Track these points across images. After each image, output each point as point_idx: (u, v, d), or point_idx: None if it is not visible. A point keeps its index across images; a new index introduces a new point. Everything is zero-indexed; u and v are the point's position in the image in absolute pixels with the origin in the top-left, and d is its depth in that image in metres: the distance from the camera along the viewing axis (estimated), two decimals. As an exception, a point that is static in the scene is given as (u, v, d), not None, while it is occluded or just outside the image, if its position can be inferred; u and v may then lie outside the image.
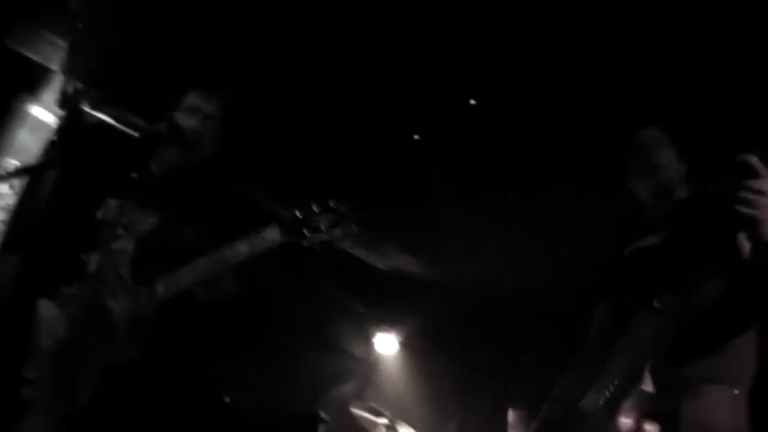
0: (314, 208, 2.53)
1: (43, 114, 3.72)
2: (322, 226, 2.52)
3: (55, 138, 3.34)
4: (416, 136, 5.06)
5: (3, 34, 3.65)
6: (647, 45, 3.86)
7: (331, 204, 2.55)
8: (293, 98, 4.65)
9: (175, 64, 4.01)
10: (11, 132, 3.52)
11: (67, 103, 3.21)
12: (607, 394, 2.37)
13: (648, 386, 2.23)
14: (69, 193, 2.82)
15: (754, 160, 2.03)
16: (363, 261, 6.93)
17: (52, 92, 3.76)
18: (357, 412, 5.65)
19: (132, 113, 3.12)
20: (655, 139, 2.76)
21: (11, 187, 3.20)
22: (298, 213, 2.53)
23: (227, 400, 4.62)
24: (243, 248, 2.49)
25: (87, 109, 3.07)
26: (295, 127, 4.85)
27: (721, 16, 3.45)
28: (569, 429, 2.57)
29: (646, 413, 2.20)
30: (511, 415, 6.12)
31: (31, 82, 3.73)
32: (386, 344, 7.53)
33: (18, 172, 2.94)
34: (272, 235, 2.50)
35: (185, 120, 2.74)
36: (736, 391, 2.32)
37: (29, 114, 3.71)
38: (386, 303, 7.33)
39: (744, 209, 2.02)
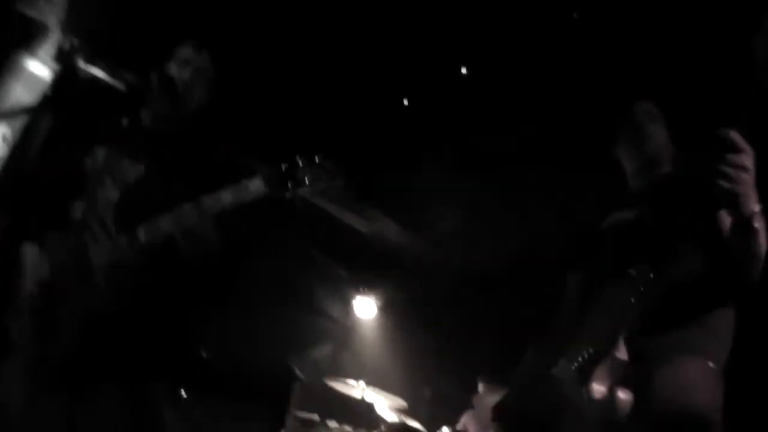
0: (299, 161, 2.54)
1: (38, 69, 3.71)
2: (306, 180, 2.53)
3: (49, 92, 3.34)
4: (405, 101, 5.06)
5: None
6: (632, 26, 3.89)
7: (316, 159, 2.55)
8: (288, 56, 4.64)
9: (169, 20, 4.02)
10: (6, 86, 3.53)
11: (63, 59, 3.21)
12: (580, 361, 2.38)
13: (622, 354, 2.24)
14: (60, 144, 2.83)
15: (734, 135, 2.04)
16: (346, 224, 6.94)
17: (48, 47, 3.80)
18: (332, 375, 5.71)
19: (127, 70, 3.11)
20: (648, 111, 2.78)
21: (4, 139, 3.21)
22: (282, 166, 2.53)
23: (204, 354, 4.64)
24: (226, 198, 2.50)
25: (82, 64, 3.06)
26: (287, 84, 4.84)
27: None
28: (540, 396, 2.61)
29: (619, 380, 2.22)
30: (482, 385, 6.19)
31: (27, 37, 3.74)
32: (365, 308, 7.56)
33: (10, 117, 2.96)
34: (256, 185, 2.52)
35: (176, 72, 2.74)
36: (711, 364, 2.33)
37: (25, 69, 3.73)
38: (367, 267, 7.36)
39: (725, 184, 2.03)
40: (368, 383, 5.57)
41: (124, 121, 2.73)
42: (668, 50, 4.02)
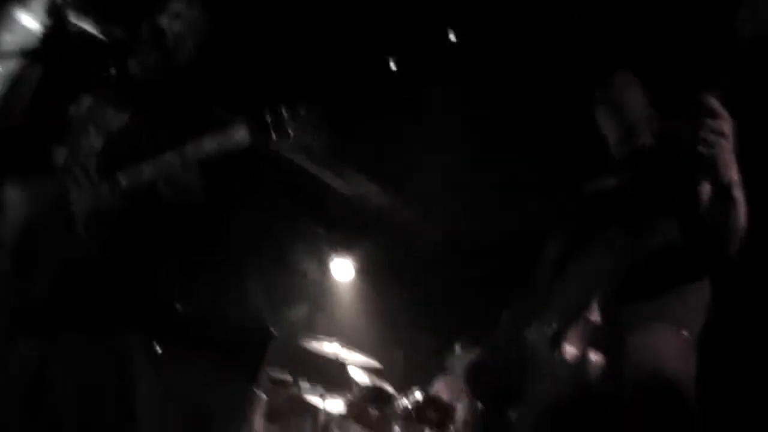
0: (284, 113, 2.53)
1: (30, 21, 3.70)
2: (290, 131, 2.53)
3: (39, 44, 3.32)
4: (391, 63, 5.04)
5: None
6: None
7: (301, 111, 2.55)
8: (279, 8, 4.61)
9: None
10: (-2, 37, 3.52)
11: (54, 12, 3.17)
12: (554, 324, 2.40)
13: (595, 317, 2.25)
14: (47, 94, 2.81)
15: (713, 101, 2.03)
16: (326, 184, 6.92)
17: (40, 1, 3.74)
18: (307, 336, 5.72)
19: (117, 23, 3.09)
20: (626, 79, 2.78)
21: None
22: (267, 117, 2.53)
23: (178, 308, 4.63)
24: (209, 145, 2.48)
25: (73, 18, 3.03)
26: (276, 38, 4.80)
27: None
28: (513, 357, 2.62)
29: (592, 343, 2.23)
30: (459, 349, 6.24)
31: None
32: (342, 269, 7.56)
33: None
34: (240, 134, 2.50)
35: (167, 24, 2.72)
36: (684, 333, 2.33)
37: (16, 21, 3.72)
38: (346, 228, 7.36)
39: (702, 150, 2.02)
40: (342, 344, 5.59)
41: (112, 72, 2.70)
42: (648, 16, 4.01)
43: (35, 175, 2.55)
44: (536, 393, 2.43)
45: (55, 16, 2.84)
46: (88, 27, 2.74)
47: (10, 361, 2.37)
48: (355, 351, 5.67)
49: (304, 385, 6.12)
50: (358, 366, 5.83)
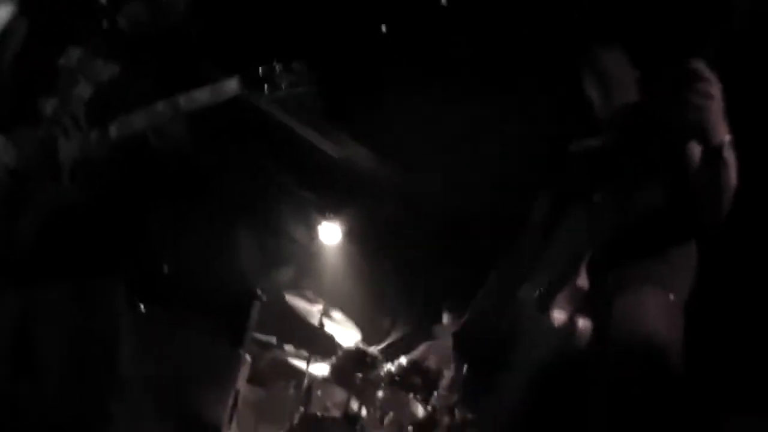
0: (276, 66, 2.53)
1: None
2: (283, 84, 2.52)
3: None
4: (383, 27, 5.01)
5: None
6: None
7: (294, 65, 2.54)
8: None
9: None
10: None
11: None
12: (541, 288, 2.41)
13: (583, 282, 2.25)
14: (35, 48, 2.77)
15: (699, 64, 2.02)
16: (315, 146, 6.88)
17: None
18: (293, 294, 5.71)
19: None
20: (611, 44, 2.74)
21: None
22: (260, 69, 2.52)
23: (165, 268, 4.61)
24: (201, 96, 2.46)
25: None
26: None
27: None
28: (500, 322, 2.62)
29: (579, 308, 2.23)
30: (447, 315, 6.25)
31: None
32: (330, 233, 7.54)
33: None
34: (231, 85, 2.49)
35: None
36: (671, 296, 2.33)
37: None
38: (334, 192, 7.33)
39: (690, 112, 2.01)
40: (328, 308, 5.59)
41: (101, 25, 2.65)
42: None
43: (23, 124, 2.50)
44: (523, 357, 2.43)
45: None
46: None
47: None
48: (341, 315, 5.66)
49: (289, 348, 6.14)
50: (344, 330, 5.83)
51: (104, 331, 2.48)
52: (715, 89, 2.02)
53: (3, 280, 2.36)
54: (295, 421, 5.21)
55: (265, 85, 2.52)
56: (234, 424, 4.75)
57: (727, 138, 2.08)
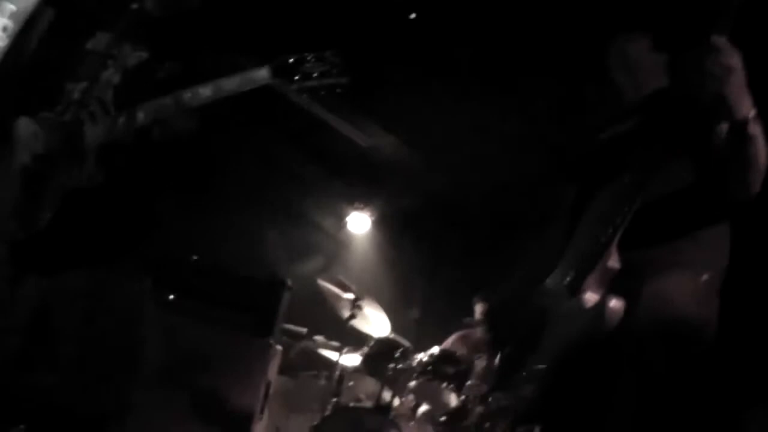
0: (308, 56, 2.50)
1: None
2: (314, 74, 2.49)
3: None
4: (413, 15, 4.98)
5: None
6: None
7: (326, 54, 2.52)
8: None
9: None
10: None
11: None
12: (572, 271, 2.39)
13: (614, 262, 2.23)
14: (63, 32, 2.77)
15: (718, 38, 2.00)
16: (344, 137, 6.86)
17: None
18: (324, 284, 5.68)
19: None
20: (631, 33, 2.74)
21: (4, 29, 3.14)
22: (291, 58, 2.50)
23: (194, 258, 4.59)
24: (229, 84, 2.45)
25: None
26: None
27: None
28: (532, 304, 2.58)
29: (610, 289, 2.21)
30: (478, 306, 6.20)
31: None
32: (359, 223, 7.51)
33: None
34: (261, 74, 2.48)
35: None
36: (705, 277, 2.29)
37: None
38: (363, 181, 7.31)
39: (712, 86, 1.99)
40: (358, 297, 5.55)
41: (129, 8, 2.64)
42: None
43: (49, 108, 2.51)
44: (554, 339, 2.41)
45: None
46: None
47: (11, 299, 2.33)
48: (372, 305, 5.62)
49: (319, 338, 6.11)
50: (374, 320, 5.79)
51: (126, 320, 2.47)
52: (735, 62, 2.00)
53: (24, 267, 2.35)
54: (327, 411, 5.18)
55: (296, 75, 2.48)
56: (265, 415, 4.73)
57: (752, 112, 2.05)
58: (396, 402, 5.37)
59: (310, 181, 7.08)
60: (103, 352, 2.40)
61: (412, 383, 5.28)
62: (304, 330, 6.17)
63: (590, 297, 2.25)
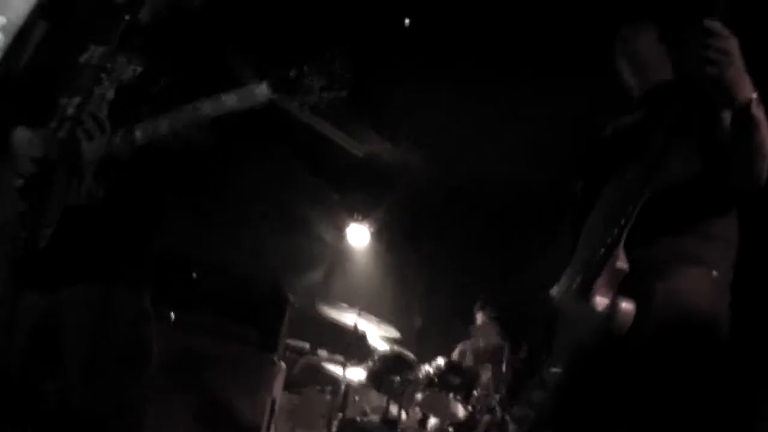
0: (306, 69, 2.44)
1: None
2: (314, 88, 2.43)
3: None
4: (407, 21, 4.97)
5: None
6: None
7: (326, 66, 2.45)
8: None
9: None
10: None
11: None
12: (580, 275, 2.39)
13: (622, 263, 2.22)
14: (56, 44, 2.74)
15: (713, 23, 2.01)
16: (341, 147, 6.84)
17: None
18: (323, 303, 5.64)
19: None
20: (635, 27, 2.73)
21: (3, 29, 3.11)
22: (290, 72, 2.43)
23: (194, 275, 4.55)
24: (230, 101, 2.39)
25: None
26: None
27: None
28: (543, 313, 2.59)
29: (620, 290, 2.20)
30: (480, 314, 6.17)
31: None
32: (358, 235, 7.47)
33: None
34: (261, 90, 2.41)
35: None
36: (714, 273, 2.29)
37: None
38: (361, 192, 7.29)
39: (711, 71, 2.00)
40: (360, 311, 5.51)
41: (122, 20, 2.60)
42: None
43: (44, 123, 2.48)
44: (566, 344, 2.41)
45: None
46: None
47: (13, 314, 2.29)
48: (373, 317, 5.58)
49: (323, 353, 6.07)
50: (377, 333, 5.74)
51: (130, 336, 2.42)
52: (731, 45, 2.01)
53: (27, 280, 2.30)
54: (334, 427, 5.13)
55: (297, 90, 2.43)
56: (271, 432, 4.68)
57: (753, 94, 2.05)
58: (403, 416, 5.32)
59: (309, 193, 7.05)
60: (107, 368, 2.35)
61: (419, 396, 5.25)
62: (307, 345, 6.12)
63: (600, 300, 2.23)
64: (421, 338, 7.13)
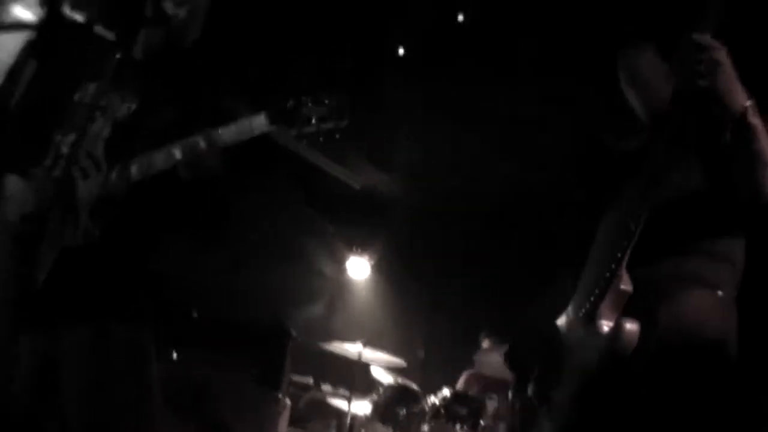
0: (305, 99, 2.44)
1: (23, 13, 3.61)
2: (313, 119, 2.42)
3: (33, 37, 3.24)
4: (401, 50, 5.00)
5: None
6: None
7: (324, 97, 2.44)
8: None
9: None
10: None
11: (48, 3, 3.10)
12: (586, 300, 2.36)
13: (626, 285, 2.22)
14: (46, 85, 2.73)
15: (700, 36, 2.05)
16: (337, 180, 6.84)
17: None
18: (326, 337, 5.61)
19: (112, 16, 3.02)
20: (636, 51, 2.70)
21: None
22: (288, 103, 2.43)
23: (195, 314, 4.53)
24: (228, 133, 2.38)
25: (68, 10, 2.95)
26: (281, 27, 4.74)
27: None
28: (550, 341, 2.55)
29: (625, 312, 2.20)
30: (485, 342, 6.14)
31: None
32: (358, 267, 7.46)
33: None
34: (259, 122, 2.40)
35: (173, 9, 2.61)
36: (720, 293, 2.28)
37: (9, 13, 3.62)
38: (359, 225, 7.28)
39: (702, 81, 2.04)
40: (363, 344, 5.48)
41: (115, 57, 2.60)
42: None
43: (38, 163, 2.46)
44: (574, 371, 2.38)
45: (49, 7, 2.75)
46: (85, 19, 2.64)
47: (14, 356, 2.26)
48: (377, 350, 5.55)
49: (326, 387, 6.02)
50: (381, 365, 5.71)
51: (130, 375, 2.38)
52: (721, 56, 2.04)
53: (24, 323, 2.28)
54: (341, 461, 5.09)
55: (295, 121, 2.42)
56: (278, 470, 4.63)
57: (747, 103, 2.07)
58: (410, 447, 5.27)
59: (307, 227, 7.04)
60: (109, 409, 2.31)
61: (425, 428, 5.20)
62: (311, 379, 6.08)
63: (605, 323, 2.24)
64: (425, 368, 7.08)
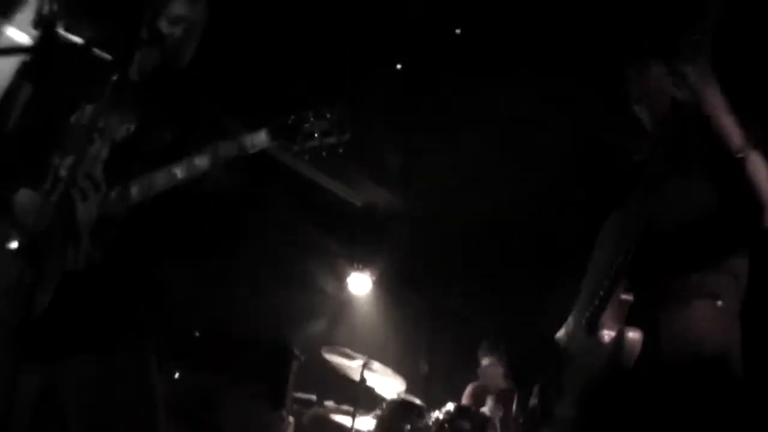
0: (306, 114, 2.42)
1: (17, 35, 3.64)
2: (315, 134, 2.40)
3: (28, 59, 3.25)
4: (398, 66, 5.01)
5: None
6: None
7: (326, 112, 2.43)
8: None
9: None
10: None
11: (42, 24, 3.11)
12: (587, 311, 2.38)
13: (627, 295, 2.24)
14: (42, 107, 2.73)
15: (676, 63, 2.13)
16: (337, 197, 6.84)
17: (27, 13, 3.67)
18: (328, 353, 5.59)
19: (107, 36, 3.03)
20: (644, 61, 2.72)
21: None
22: (290, 118, 2.41)
23: (197, 333, 4.52)
24: (229, 150, 2.37)
25: (62, 31, 2.96)
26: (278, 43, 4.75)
27: None
28: (554, 353, 2.58)
29: (627, 322, 2.22)
30: (484, 357, 6.12)
31: (5, 2, 3.65)
32: (360, 283, 7.45)
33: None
34: (260, 137, 2.39)
35: (168, 28, 2.61)
36: (720, 303, 2.28)
37: (3, 35, 3.65)
38: (360, 241, 7.27)
39: (685, 97, 2.11)
40: (366, 360, 5.47)
41: (111, 78, 2.60)
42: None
43: (35, 186, 2.45)
44: (577, 382, 2.39)
45: (43, 28, 2.76)
46: (79, 39, 2.65)
47: (14, 384, 2.25)
48: (380, 365, 5.53)
49: (330, 404, 5.99)
50: (384, 380, 5.68)
51: (133, 399, 2.37)
52: (698, 70, 2.10)
53: (26, 349, 2.26)
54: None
55: (296, 136, 2.40)
56: (282, 488, 4.62)
57: (740, 155, 2.12)
58: (415, 463, 5.24)
59: (308, 244, 7.03)
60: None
61: (430, 442, 5.17)
62: (314, 396, 6.06)
63: (607, 332, 2.26)
64: (428, 382, 7.06)
